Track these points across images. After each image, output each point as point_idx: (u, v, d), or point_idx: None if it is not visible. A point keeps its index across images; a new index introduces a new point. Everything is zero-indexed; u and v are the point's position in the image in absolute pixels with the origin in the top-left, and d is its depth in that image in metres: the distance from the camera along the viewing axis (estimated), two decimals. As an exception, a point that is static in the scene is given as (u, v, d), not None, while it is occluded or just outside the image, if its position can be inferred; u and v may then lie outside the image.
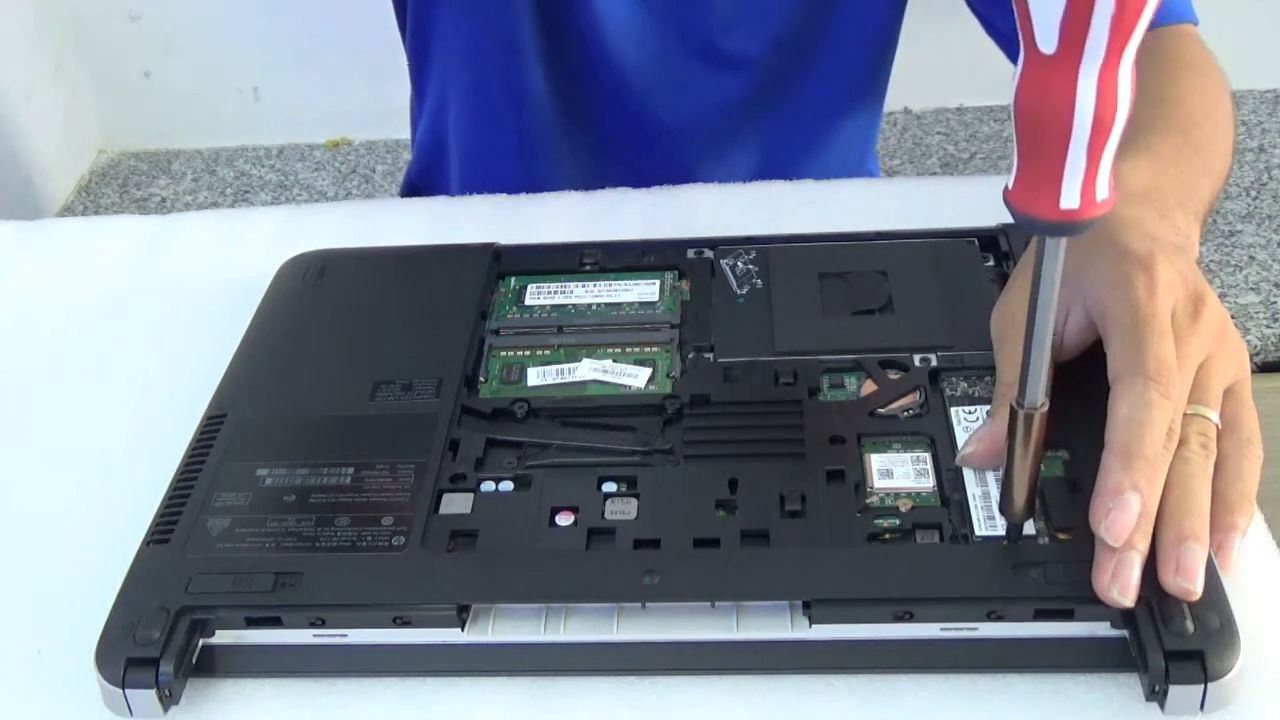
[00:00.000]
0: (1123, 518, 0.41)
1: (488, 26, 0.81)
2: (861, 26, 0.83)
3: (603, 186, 0.73)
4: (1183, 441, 0.43)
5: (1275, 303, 1.21)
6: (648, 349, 0.55)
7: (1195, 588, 0.41)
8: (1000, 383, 0.48)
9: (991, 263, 0.58)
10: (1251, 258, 1.27)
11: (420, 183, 0.94)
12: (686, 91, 0.83)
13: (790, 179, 0.73)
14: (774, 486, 0.47)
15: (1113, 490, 0.41)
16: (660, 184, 0.73)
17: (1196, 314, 0.45)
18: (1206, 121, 0.59)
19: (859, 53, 0.85)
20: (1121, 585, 0.40)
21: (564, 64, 0.81)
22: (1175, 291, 0.45)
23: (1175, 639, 0.40)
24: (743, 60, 0.82)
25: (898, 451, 0.49)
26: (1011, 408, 0.41)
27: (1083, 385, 0.48)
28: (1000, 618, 0.42)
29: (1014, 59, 0.51)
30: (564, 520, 0.47)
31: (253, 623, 0.45)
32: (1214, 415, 0.45)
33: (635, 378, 0.54)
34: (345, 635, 0.45)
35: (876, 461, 0.48)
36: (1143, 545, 0.41)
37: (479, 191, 0.75)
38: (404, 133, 0.96)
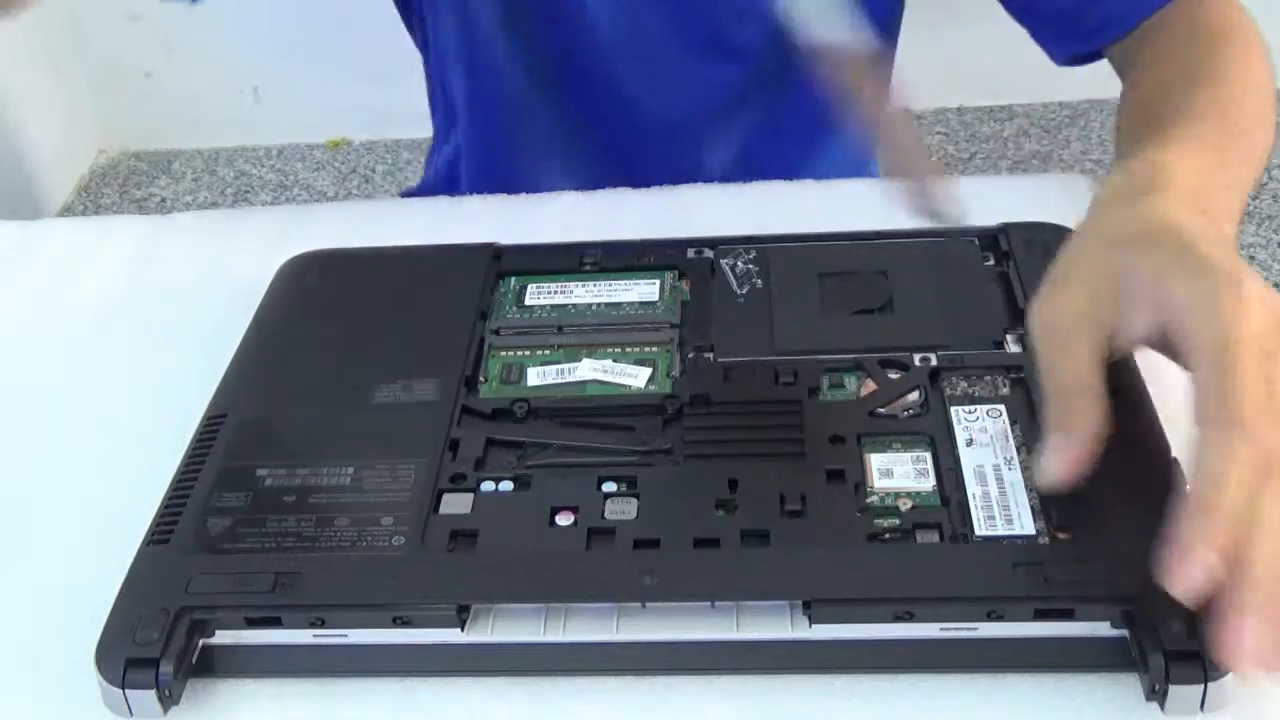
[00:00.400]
0: (1192, 576, 0.37)
1: (471, 25, 0.81)
2: (862, 19, 0.83)
3: (602, 184, 0.73)
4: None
5: (1275, 302, 1.21)
6: (648, 349, 0.55)
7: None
8: (1051, 391, 0.44)
9: (992, 262, 0.58)
10: (1251, 258, 1.27)
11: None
12: (683, 84, 0.82)
13: (791, 177, 0.73)
14: (774, 486, 0.47)
15: (1185, 550, 0.38)
16: (658, 178, 0.73)
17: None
18: (1245, 99, 0.57)
19: None
20: (1181, 582, 0.38)
21: (547, 57, 0.81)
22: (1268, 312, 0.40)
23: (1175, 639, 0.40)
24: (742, 52, 0.82)
25: (898, 451, 0.49)
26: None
27: None
28: (1000, 618, 0.42)
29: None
30: (564, 520, 0.47)
31: (253, 623, 0.45)
32: None
33: (635, 378, 0.54)
34: (345, 635, 0.45)
35: (876, 461, 0.48)
36: (1211, 553, 0.37)
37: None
38: (404, 133, 0.96)
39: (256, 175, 1.89)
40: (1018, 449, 0.48)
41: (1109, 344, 0.44)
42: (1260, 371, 0.39)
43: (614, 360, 0.55)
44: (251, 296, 0.61)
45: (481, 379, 0.55)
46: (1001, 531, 0.45)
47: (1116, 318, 0.44)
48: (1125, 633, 0.42)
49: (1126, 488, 0.45)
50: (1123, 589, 0.42)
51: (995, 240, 0.59)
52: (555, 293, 0.59)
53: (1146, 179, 0.48)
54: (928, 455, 0.48)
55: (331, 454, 0.50)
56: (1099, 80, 0.75)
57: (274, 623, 0.45)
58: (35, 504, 0.54)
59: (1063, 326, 0.45)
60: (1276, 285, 1.23)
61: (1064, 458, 0.43)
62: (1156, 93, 0.60)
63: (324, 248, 0.64)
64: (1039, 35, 0.74)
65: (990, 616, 0.42)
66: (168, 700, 0.44)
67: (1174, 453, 0.47)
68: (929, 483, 0.47)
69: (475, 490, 0.49)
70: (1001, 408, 0.50)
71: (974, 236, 0.59)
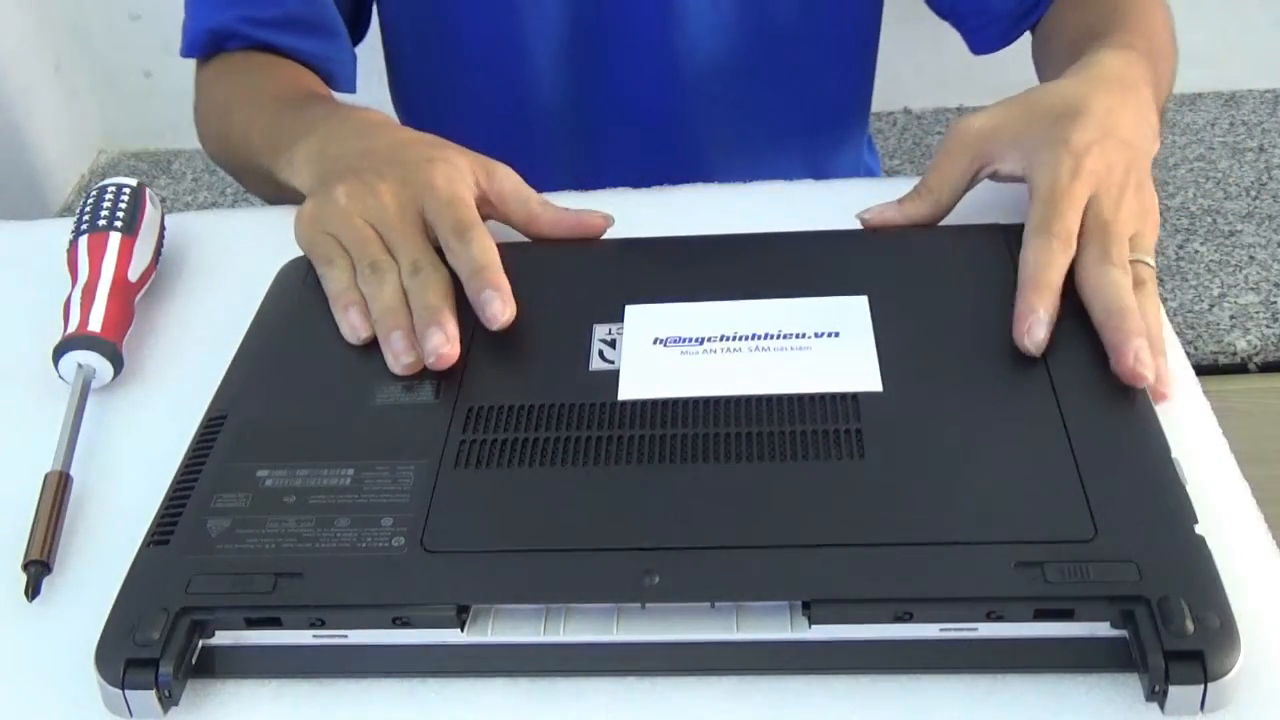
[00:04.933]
0: (1040, 333, 0.52)
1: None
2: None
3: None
4: (1137, 281, 0.54)
5: (1275, 303, 1.20)
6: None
7: (1150, 375, 0.50)
8: (925, 180, 0.61)
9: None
10: (1251, 258, 1.26)
11: None
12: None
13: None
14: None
15: (1028, 310, 0.52)
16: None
17: (1121, 199, 0.56)
18: (1161, 33, 0.73)
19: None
20: (1033, 338, 0.51)
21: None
22: (1100, 176, 0.56)
23: (1175, 639, 0.40)
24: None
25: (897, 452, 0.49)
26: None
27: (1088, 387, 0.49)
28: (1000, 618, 0.42)
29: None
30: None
31: (252, 623, 0.45)
32: (1150, 259, 0.56)
33: (635, 378, 0.54)
34: (345, 636, 0.45)
35: (876, 462, 0.48)
36: (1050, 312, 0.52)
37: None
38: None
39: (256, 175, 1.88)
40: (1017, 449, 0.48)
41: (984, 168, 0.61)
42: (1075, 215, 0.55)
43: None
44: (251, 297, 0.61)
45: None
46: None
47: (1000, 157, 0.60)
48: (1125, 633, 0.42)
49: (1125, 488, 0.45)
50: (1122, 589, 0.42)
51: (994, 240, 0.59)
52: None
53: (1081, 65, 0.64)
54: (927, 455, 0.48)
55: (331, 455, 0.50)
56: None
57: (274, 623, 0.45)
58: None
59: (965, 136, 0.61)
60: (1277, 285, 1.23)
61: (881, 215, 0.61)
62: (1084, 29, 0.73)
63: (324, 248, 0.64)
64: (974, 33, 0.85)
65: (990, 617, 0.42)
66: (167, 701, 0.44)
67: (1174, 453, 0.47)
68: (929, 483, 0.47)
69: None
70: None
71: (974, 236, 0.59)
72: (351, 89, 0.86)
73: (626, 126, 0.88)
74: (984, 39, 0.84)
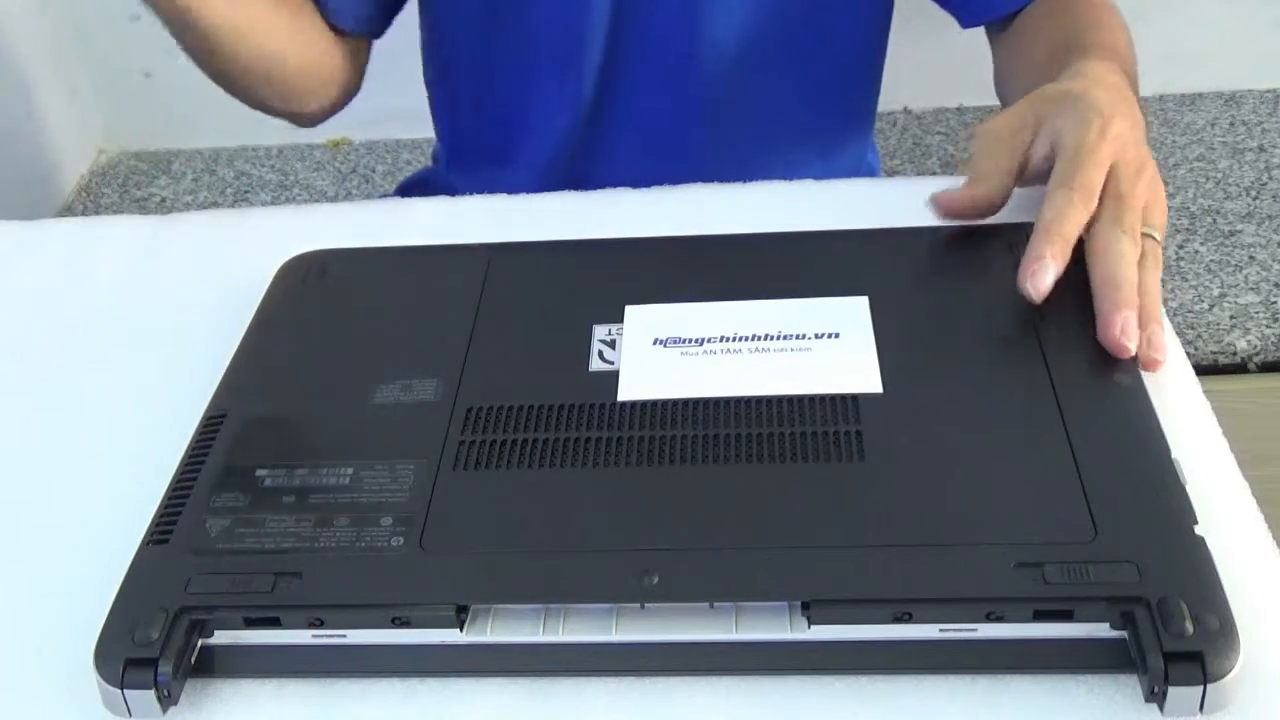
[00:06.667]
0: (1044, 280, 0.52)
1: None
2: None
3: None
4: (1141, 254, 0.54)
5: (1275, 303, 1.20)
6: (647, 349, 0.55)
7: (1133, 346, 0.50)
8: (975, 170, 0.60)
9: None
10: (1251, 258, 1.26)
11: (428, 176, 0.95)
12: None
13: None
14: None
15: (1036, 257, 0.53)
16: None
17: (1139, 173, 0.56)
18: (1129, 55, 0.74)
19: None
20: (1036, 283, 0.52)
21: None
22: (1124, 145, 0.56)
23: (1174, 640, 0.40)
24: None
25: (897, 452, 0.49)
26: None
27: (1089, 387, 0.49)
28: (999, 618, 0.42)
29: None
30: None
31: (252, 623, 0.45)
32: (1157, 234, 0.56)
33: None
34: (344, 635, 0.45)
35: (876, 462, 0.48)
36: (1059, 262, 0.53)
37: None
38: (405, 133, 0.96)
39: (256, 175, 1.88)
40: (1017, 449, 0.48)
41: (1022, 157, 0.59)
42: (1100, 174, 0.55)
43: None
44: (251, 296, 0.61)
45: None
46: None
47: (1027, 143, 0.59)
48: (1124, 634, 0.42)
49: (1125, 488, 0.45)
50: (1122, 590, 0.42)
51: (995, 240, 0.59)
52: None
53: (1073, 71, 0.65)
54: (927, 456, 0.48)
55: (331, 454, 0.50)
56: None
57: (273, 623, 0.45)
58: (35, 504, 0.54)
59: (995, 134, 0.60)
60: (1277, 285, 1.23)
61: (964, 196, 0.59)
62: (1059, 43, 0.74)
63: (324, 248, 0.64)
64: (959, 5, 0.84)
65: (989, 617, 0.42)
66: (166, 700, 0.44)
67: (1174, 453, 0.47)
68: (928, 483, 0.47)
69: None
70: None
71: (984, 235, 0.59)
72: (345, 25, 0.87)
73: (634, 125, 0.88)
74: (973, 12, 0.84)
